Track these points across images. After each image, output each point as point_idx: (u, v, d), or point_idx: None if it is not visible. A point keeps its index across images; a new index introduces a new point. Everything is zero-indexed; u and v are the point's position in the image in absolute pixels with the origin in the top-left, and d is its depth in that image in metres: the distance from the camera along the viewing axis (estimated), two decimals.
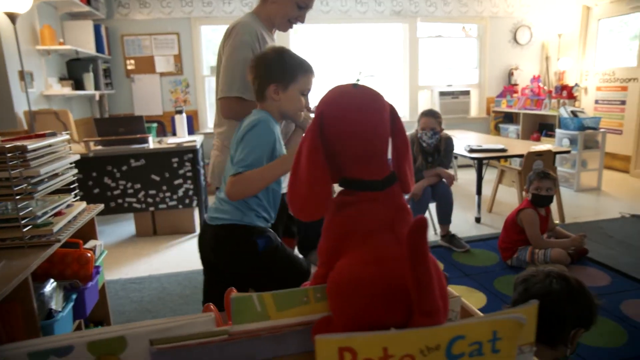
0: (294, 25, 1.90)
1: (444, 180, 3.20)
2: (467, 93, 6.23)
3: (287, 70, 1.51)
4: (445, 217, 3.27)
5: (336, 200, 0.63)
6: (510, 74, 6.47)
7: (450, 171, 3.30)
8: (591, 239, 3.39)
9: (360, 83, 0.63)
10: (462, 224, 3.90)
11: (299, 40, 5.89)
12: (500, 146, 3.88)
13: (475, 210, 3.91)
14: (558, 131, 5.10)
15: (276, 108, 1.53)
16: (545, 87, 5.96)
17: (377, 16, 5.91)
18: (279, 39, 2.03)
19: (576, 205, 4.41)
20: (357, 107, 0.60)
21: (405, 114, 6.15)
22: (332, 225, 0.61)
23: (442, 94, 6.10)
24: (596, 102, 6.03)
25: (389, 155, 0.66)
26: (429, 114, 3.18)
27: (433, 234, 3.56)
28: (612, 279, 2.75)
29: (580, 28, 6.15)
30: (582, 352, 2.03)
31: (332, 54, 6.00)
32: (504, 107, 6.22)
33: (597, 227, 3.70)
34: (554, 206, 4.00)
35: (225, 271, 1.58)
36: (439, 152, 3.22)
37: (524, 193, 2.93)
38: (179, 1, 5.23)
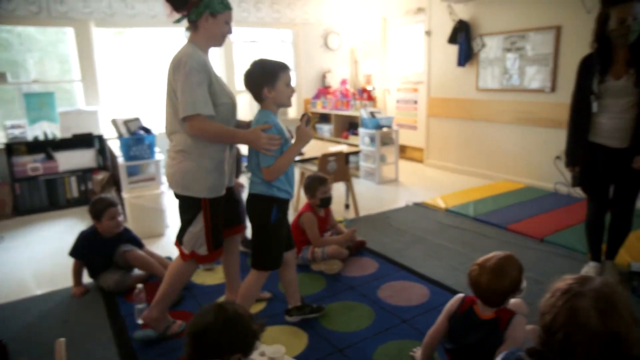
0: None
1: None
2: None
3: (269, 73, 2.06)
4: None
5: None
6: (324, 77, 6.96)
7: (241, 179, 3.43)
8: (375, 229, 3.86)
9: None
10: None
11: (118, 45, 5.55)
12: None
13: None
14: (360, 130, 5.64)
15: (273, 102, 2.10)
16: (352, 90, 6.53)
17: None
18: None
19: (376, 197, 4.94)
20: None
21: None
22: None
23: None
24: (397, 102, 6.80)
25: None
26: None
27: None
28: (380, 265, 3.16)
29: (381, 36, 6.86)
30: (331, 338, 2.30)
31: (148, 59, 5.81)
32: (319, 108, 6.67)
33: (384, 217, 4.21)
34: (348, 201, 4.43)
35: (252, 224, 2.23)
36: None
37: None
38: None
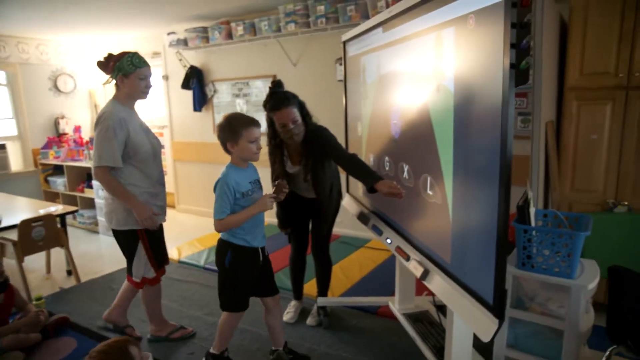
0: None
1: None
2: (2, 147, 5.61)
3: (233, 130, 2.13)
4: None
5: None
6: (57, 123, 6.24)
7: None
8: (93, 297, 3.49)
9: None
10: None
11: None
12: None
13: None
14: (95, 182, 5.18)
15: (236, 156, 2.19)
16: (87, 137, 6.01)
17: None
18: None
19: (112, 255, 4.52)
20: None
21: None
22: None
23: None
24: None
25: None
26: None
27: None
28: (79, 343, 2.79)
29: None
30: None
31: None
32: (52, 159, 5.91)
33: (109, 279, 3.86)
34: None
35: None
36: None
37: None
38: None
